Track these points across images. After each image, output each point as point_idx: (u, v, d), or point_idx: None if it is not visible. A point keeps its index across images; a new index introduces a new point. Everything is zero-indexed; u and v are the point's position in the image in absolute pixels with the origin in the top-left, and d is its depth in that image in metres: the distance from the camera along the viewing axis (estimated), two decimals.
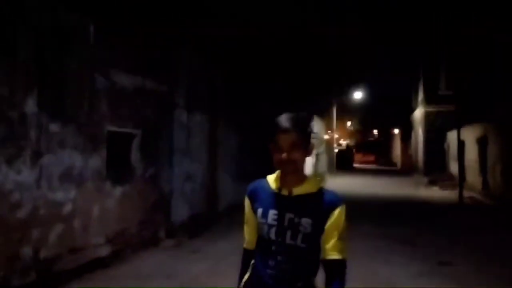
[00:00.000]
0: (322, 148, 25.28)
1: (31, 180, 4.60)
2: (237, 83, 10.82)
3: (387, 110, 38.89)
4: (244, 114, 11.08)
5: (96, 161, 5.69)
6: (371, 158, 53.84)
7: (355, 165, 43.85)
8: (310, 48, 14.00)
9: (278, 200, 1.77)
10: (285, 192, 1.77)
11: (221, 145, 9.90)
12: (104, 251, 5.79)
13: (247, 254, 1.93)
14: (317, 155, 24.20)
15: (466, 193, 14.41)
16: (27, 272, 4.50)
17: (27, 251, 4.52)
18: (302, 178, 1.79)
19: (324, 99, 23.71)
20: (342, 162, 33.96)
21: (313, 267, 1.78)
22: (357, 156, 51.18)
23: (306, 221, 1.70)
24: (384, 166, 44.24)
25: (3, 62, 4.30)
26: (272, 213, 1.75)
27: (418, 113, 27.56)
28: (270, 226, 1.74)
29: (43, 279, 4.67)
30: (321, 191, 1.78)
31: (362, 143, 52.28)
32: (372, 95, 37.04)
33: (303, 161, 1.75)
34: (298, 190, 1.76)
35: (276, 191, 1.79)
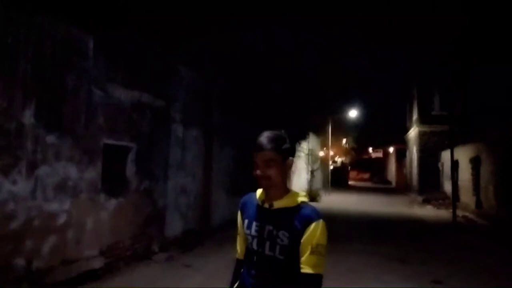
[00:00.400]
0: (317, 165, 25.37)
1: (26, 191, 4.63)
2: (232, 99, 10.94)
3: (382, 129, 39.17)
4: (239, 130, 11.17)
5: (92, 174, 5.73)
6: (366, 175, 53.95)
7: (350, 182, 43.93)
8: (304, 66, 14.21)
9: (260, 212, 1.86)
10: (266, 205, 1.86)
11: (216, 160, 9.96)
12: (97, 264, 5.78)
13: (238, 264, 2.03)
14: (312, 172, 24.27)
15: (459, 212, 14.48)
16: (19, 283, 4.49)
17: (19, 262, 4.51)
18: (283, 192, 1.86)
19: (320, 117, 23.89)
20: (337, 179, 34.03)
21: (293, 279, 1.80)
22: (352, 174, 51.29)
23: (283, 234, 1.77)
24: (379, 184, 44.35)
25: (2, 75, 4.37)
26: (254, 225, 1.85)
27: (413, 133, 27.80)
28: (253, 237, 1.84)
29: None
30: (299, 206, 1.83)
31: (358, 161, 52.46)
32: (367, 113, 37.34)
33: (279, 177, 1.82)
34: (278, 204, 1.84)
35: (260, 204, 1.89)
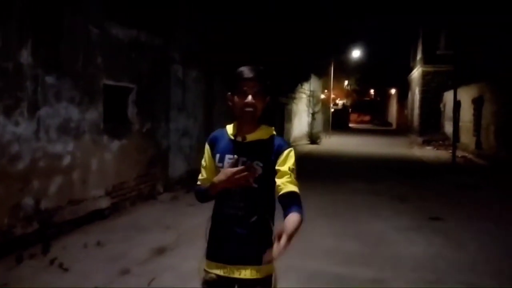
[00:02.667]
0: (318, 108, 25.26)
1: (29, 132, 4.62)
2: (233, 37, 10.63)
3: (385, 70, 38.59)
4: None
5: (93, 115, 5.70)
6: (367, 118, 53.92)
7: (351, 125, 44.01)
8: (307, 8, 13.69)
9: (233, 146, 1.93)
10: (239, 139, 1.93)
11: (217, 102, 9.87)
12: (103, 204, 5.91)
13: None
14: (313, 114, 24.22)
15: (459, 153, 14.62)
16: (29, 222, 4.61)
17: (28, 201, 4.61)
18: (255, 126, 1.94)
19: (322, 58, 23.40)
20: (338, 122, 34.07)
21: (266, 206, 1.94)
22: (353, 116, 51.21)
23: (257, 164, 1.85)
24: (380, 126, 44.49)
25: None
26: (227, 158, 1.92)
27: (416, 73, 27.40)
28: None
29: (44, 229, 4.79)
30: (272, 138, 1.93)
31: (359, 103, 52.19)
32: (370, 54, 36.66)
33: (260, 110, 1.90)
34: (251, 137, 1.92)
35: (232, 138, 1.95)
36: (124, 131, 6.50)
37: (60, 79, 5.06)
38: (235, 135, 1.95)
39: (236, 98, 1.89)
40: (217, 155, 1.96)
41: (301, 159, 14.64)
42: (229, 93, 1.94)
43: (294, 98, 19.90)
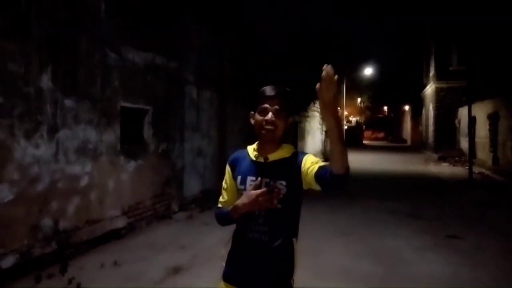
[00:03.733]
0: None
1: (48, 154, 4.74)
2: (245, 60, 10.81)
3: (398, 86, 38.47)
4: (252, 90, 11.09)
5: (110, 136, 5.83)
6: (381, 134, 53.62)
7: (365, 141, 43.77)
8: (319, 27, 13.88)
9: (255, 167, 1.89)
10: (261, 159, 1.89)
11: (230, 122, 9.98)
12: (120, 223, 5.98)
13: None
14: (326, 132, 24.20)
15: (476, 169, 14.42)
16: (48, 242, 4.69)
17: (47, 222, 4.70)
18: (277, 145, 1.90)
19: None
20: (352, 139, 33.95)
21: (291, 227, 1.88)
22: (367, 133, 50.99)
23: (281, 183, 1.81)
24: (394, 143, 44.14)
25: (18, 40, 4.38)
26: (249, 180, 1.87)
27: (429, 89, 27.28)
28: None
29: (62, 249, 4.87)
30: (294, 155, 1.88)
31: (372, 120, 52.00)
32: (382, 71, 36.67)
33: (281, 131, 1.86)
34: (273, 156, 1.88)
35: (254, 159, 1.91)
36: (140, 152, 6.61)
37: (78, 102, 5.21)
38: (256, 155, 1.91)
39: (257, 116, 1.86)
40: (239, 177, 1.91)
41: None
42: (252, 112, 1.91)
43: (307, 116, 19.96)
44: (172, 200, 7.49)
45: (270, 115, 1.82)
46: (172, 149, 7.52)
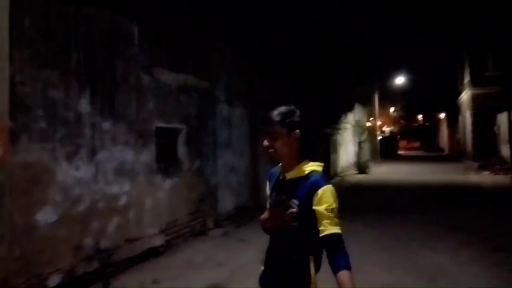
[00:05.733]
0: (364, 136, 24.88)
1: (88, 176, 4.92)
2: (274, 75, 10.88)
3: (432, 94, 37.60)
4: (282, 105, 11.11)
5: (147, 156, 5.98)
6: (416, 144, 52.32)
7: (400, 152, 42.81)
8: (348, 37, 13.82)
9: (278, 183, 2.05)
10: (281, 177, 2.04)
11: (261, 137, 10.02)
12: (158, 241, 6.09)
13: None
14: (360, 144, 23.85)
15: None
16: (90, 261, 4.83)
17: (89, 241, 4.85)
18: (295, 163, 1.98)
19: (366, 86, 23.25)
20: (386, 150, 33.28)
21: (307, 245, 1.91)
22: (402, 143, 49.87)
23: (294, 202, 1.90)
24: (431, 152, 42.95)
25: (59, 68, 4.60)
26: (273, 196, 2.04)
27: (465, 96, 26.51)
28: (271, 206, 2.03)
29: (104, 268, 5.00)
30: (308, 175, 1.93)
31: (407, 129, 50.85)
32: (415, 79, 35.98)
33: (284, 149, 1.96)
34: (290, 175, 1.99)
35: (279, 175, 2.07)
36: (175, 170, 6.74)
37: (115, 125, 5.40)
38: (280, 172, 2.07)
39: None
40: (269, 192, 2.10)
41: (349, 189, 14.42)
42: None
43: (339, 128, 19.79)
44: (208, 217, 7.56)
45: (265, 141, 2.00)
46: (205, 166, 7.62)
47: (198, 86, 7.45)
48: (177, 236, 6.62)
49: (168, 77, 6.58)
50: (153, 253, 5.95)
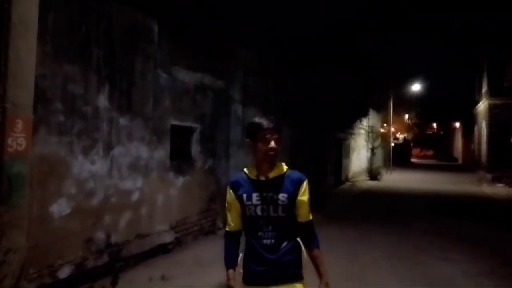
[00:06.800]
0: (378, 142, 24.70)
1: (103, 170, 4.98)
2: (288, 79, 10.88)
3: (448, 103, 37.15)
4: (295, 109, 11.11)
5: (161, 153, 6.03)
6: (430, 152, 51.75)
7: (413, 160, 42.40)
8: (364, 43, 13.73)
9: (258, 184, 2.26)
10: (263, 178, 2.25)
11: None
12: (168, 238, 6.14)
13: (230, 236, 2.39)
14: (373, 150, 23.69)
15: None
16: (100, 255, 4.90)
17: (100, 235, 4.91)
18: (273, 165, 2.27)
19: (381, 92, 23.07)
20: (399, 157, 33.00)
21: (294, 230, 2.28)
22: (415, 151, 49.37)
23: (282, 196, 2.21)
24: (444, 162, 42.46)
25: (79, 63, 4.67)
26: (255, 196, 2.24)
27: (482, 106, 26.12)
28: (256, 205, 2.24)
29: (113, 262, 5.06)
30: (288, 171, 2.30)
31: (421, 137, 50.33)
32: (431, 86, 35.56)
33: (280, 152, 2.26)
34: (272, 174, 2.26)
35: (255, 178, 2.27)
36: (188, 168, 6.79)
37: (132, 121, 5.46)
38: (257, 175, 2.27)
39: (260, 145, 2.21)
40: (244, 195, 2.26)
41: (360, 196, 14.35)
42: (248, 139, 2.28)
43: (352, 133, 19.67)
44: (217, 216, 7.60)
45: (273, 143, 2.20)
46: (217, 166, 7.66)
47: (214, 85, 7.49)
48: (187, 234, 6.67)
49: (185, 76, 6.63)
50: (163, 250, 6.00)
